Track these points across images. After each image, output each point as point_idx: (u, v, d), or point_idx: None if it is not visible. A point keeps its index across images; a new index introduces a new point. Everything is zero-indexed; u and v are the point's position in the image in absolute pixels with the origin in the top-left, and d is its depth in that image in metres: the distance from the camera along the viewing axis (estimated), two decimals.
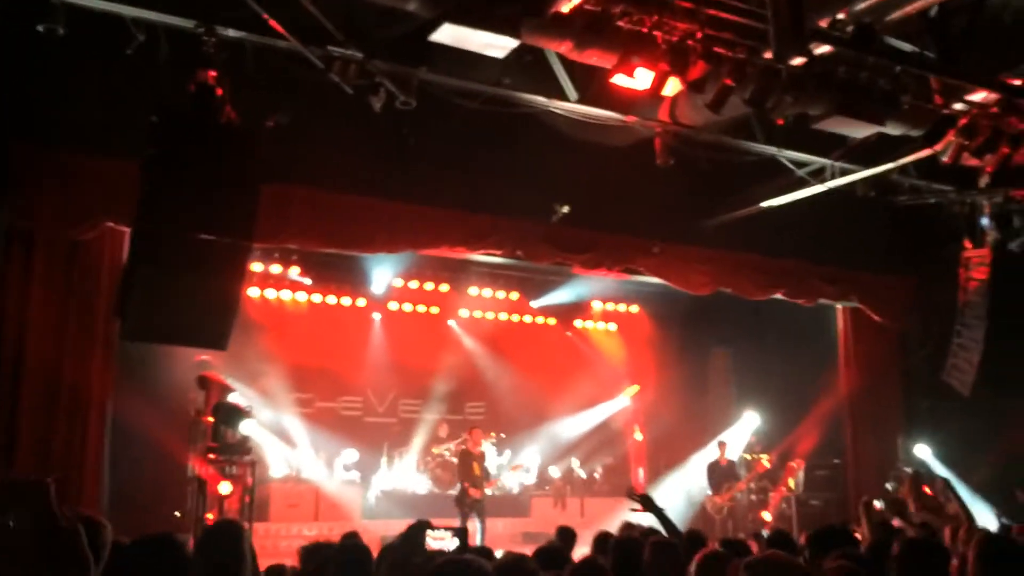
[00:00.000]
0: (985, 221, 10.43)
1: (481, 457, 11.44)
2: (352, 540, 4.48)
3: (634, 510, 5.58)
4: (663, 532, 5.29)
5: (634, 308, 15.06)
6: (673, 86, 6.88)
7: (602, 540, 4.57)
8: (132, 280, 6.52)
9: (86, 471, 7.99)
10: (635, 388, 14.95)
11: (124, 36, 6.52)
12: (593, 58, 7.06)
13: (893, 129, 7.91)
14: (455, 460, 12.34)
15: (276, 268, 12.24)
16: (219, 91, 6.64)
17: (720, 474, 12.47)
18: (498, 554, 4.27)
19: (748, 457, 13.39)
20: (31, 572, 1.07)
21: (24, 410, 7.69)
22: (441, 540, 2.82)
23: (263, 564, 4.46)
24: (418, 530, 2.54)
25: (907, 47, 7.43)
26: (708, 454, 13.31)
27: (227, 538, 3.17)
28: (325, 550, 4.06)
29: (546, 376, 14.60)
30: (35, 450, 7.70)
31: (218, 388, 9.30)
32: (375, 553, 4.29)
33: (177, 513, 9.72)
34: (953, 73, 7.58)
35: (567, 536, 5.66)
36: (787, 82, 6.93)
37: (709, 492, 12.64)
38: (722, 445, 12.76)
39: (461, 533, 2.93)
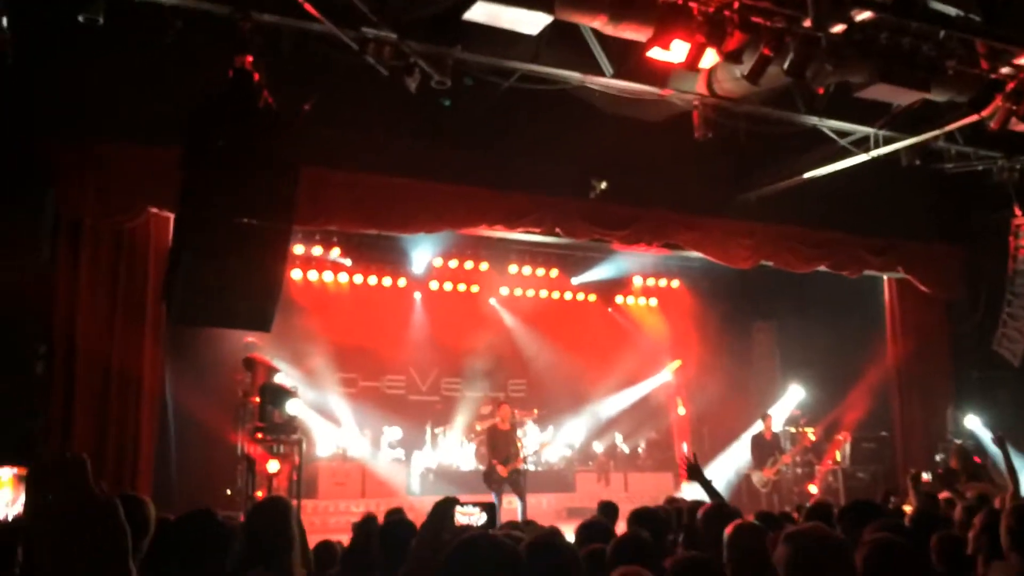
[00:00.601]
0: None
1: (510, 434, 11.42)
2: (397, 516, 4.56)
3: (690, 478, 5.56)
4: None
5: (675, 283, 14.96)
6: (710, 58, 6.80)
7: (638, 516, 4.59)
8: (177, 266, 6.64)
9: (140, 451, 8.22)
10: (677, 363, 14.89)
11: (162, 25, 6.61)
12: (628, 32, 7.00)
13: (938, 95, 7.73)
14: None
15: (317, 250, 12.36)
16: (256, 76, 6.70)
17: (765, 448, 12.38)
18: None
19: (793, 430, 13.28)
20: (70, 544, 1.11)
21: (78, 393, 7.92)
22: (470, 515, 2.84)
23: (312, 541, 4.55)
24: (446, 506, 2.56)
25: (951, 11, 7.24)
26: (753, 428, 13.23)
27: (274, 514, 3.24)
28: (372, 524, 4.14)
29: (588, 352, 14.61)
30: (90, 432, 7.94)
31: (264, 369, 9.47)
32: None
33: (228, 491, 9.96)
34: (999, 36, 7.37)
35: (610, 511, 5.68)
36: (827, 50, 6.81)
37: (754, 466, 12.57)
38: (767, 419, 12.66)
39: (490, 509, 2.94)
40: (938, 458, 12.17)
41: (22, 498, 4.39)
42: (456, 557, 2.22)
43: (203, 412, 9.88)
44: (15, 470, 4.59)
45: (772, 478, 11.96)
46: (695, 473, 5.46)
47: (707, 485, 5.42)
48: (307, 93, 7.31)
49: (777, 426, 13.02)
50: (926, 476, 7.61)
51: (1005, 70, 7.57)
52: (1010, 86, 7.54)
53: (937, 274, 12.50)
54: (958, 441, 12.36)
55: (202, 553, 2.90)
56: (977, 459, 11.77)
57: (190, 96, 6.53)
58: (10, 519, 4.47)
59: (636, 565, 2.91)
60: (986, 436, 11.96)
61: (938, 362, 13.00)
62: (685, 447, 14.75)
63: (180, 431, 9.07)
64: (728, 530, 3.68)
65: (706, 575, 2.89)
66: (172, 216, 8.20)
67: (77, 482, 1.15)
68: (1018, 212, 10.14)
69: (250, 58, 6.75)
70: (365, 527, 4.35)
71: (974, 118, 8.26)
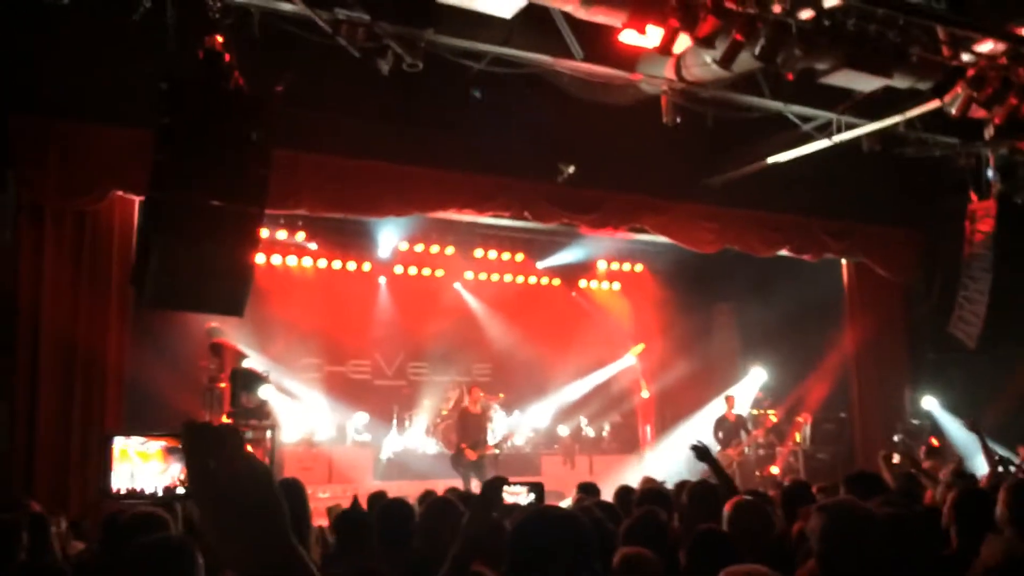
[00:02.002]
0: (991, 173, 10.44)
1: (479, 417, 11.45)
2: (385, 498, 4.58)
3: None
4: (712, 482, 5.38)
5: (638, 267, 15.09)
6: (682, 43, 6.86)
7: (624, 493, 4.66)
8: (147, 249, 6.56)
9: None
10: (641, 347, 15.03)
11: (130, 2, 6.48)
12: (599, 16, 7.04)
13: (901, 82, 7.89)
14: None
15: (282, 234, 12.23)
16: (227, 57, 6.61)
17: (728, 429, 12.58)
18: None
19: (756, 412, 13.51)
20: (233, 513, 1.11)
21: (43, 378, 7.80)
22: (517, 495, 2.89)
23: None
24: (496, 485, 2.60)
25: None
26: (715, 410, 13.43)
27: (295, 494, 3.24)
28: (358, 507, 4.15)
29: (552, 336, 14.69)
30: (55, 416, 7.82)
31: (232, 354, 9.39)
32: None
33: None
34: (961, 24, 7.54)
35: (592, 491, 5.75)
36: (797, 36, 6.91)
37: (718, 447, 12.75)
38: (730, 400, 12.86)
39: (538, 488, 2.99)
40: (896, 439, 12.48)
41: (170, 469, 4.36)
42: (529, 528, 2.24)
43: (169, 397, 9.74)
44: (164, 442, 4.59)
45: (736, 458, 12.16)
46: (704, 455, 5.52)
47: (715, 465, 5.49)
48: (278, 75, 7.25)
49: (741, 408, 13.24)
50: (896, 457, 7.80)
51: (966, 57, 7.75)
52: (971, 73, 7.72)
53: (895, 258, 12.78)
54: (915, 422, 12.72)
55: None
56: (933, 439, 12.13)
57: (158, 77, 6.43)
58: (160, 491, 4.48)
59: (642, 546, 2.97)
60: (943, 417, 12.33)
61: (895, 344, 13.31)
62: (648, 430, 14.93)
63: (145, 415, 8.92)
64: (728, 507, 3.77)
65: (722, 548, 2.95)
66: (137, 199, 8.11)
67: (236, 450, 1.15)
68: (975, 198, 10.38)
69: (220, 38, 6.66)
70: (354, 510, 4.37)
71: (935, 104, 8.43)
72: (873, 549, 2.74)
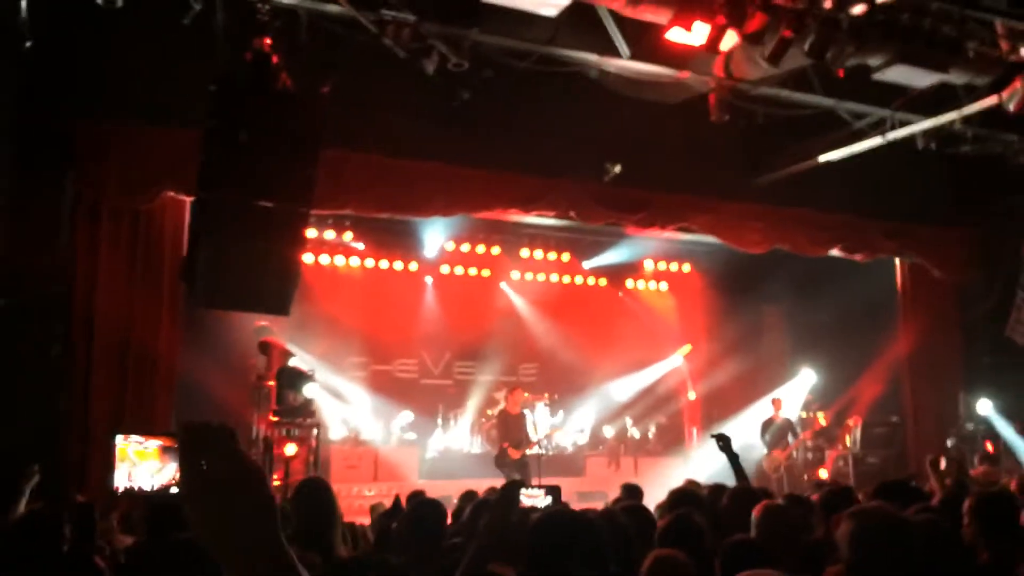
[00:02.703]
0: None
1: (520, 418, 11.45)
2: (421, 497, 4.59)
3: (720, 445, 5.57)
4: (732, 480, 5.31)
5: (686, 267, 14.95)
6: (730, 39, 6.77)
7: (678, 496, 4.62)
8: (196, 248, 6.68)
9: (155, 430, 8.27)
10: (687, 348, 14.89)
11: (181, 6, 6.60)
12: (646, 13, 6.98)
13: (957, 77, 7.69)
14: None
15: (330, 234, 12.37)
16: (275, 58, 6.71)
17: (775, 431, 12.39)
18: None
19: (805, 415, 13.29)
20: (224, 512, 1.11)
21: (97, 371, 7.98)
22: (535, 498, 2.88)
23: None
24: (514, 488, 2.60)
25: None
26: (761, 411, 13.25)
27: (319, 494, 3.27)
28: (398, 506, 4.17)
29: (598, 336, 14.62)
30: (108, 408, 7.99)
31: (279, 352, 9.50)
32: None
33: None
34: (1020, 17, 7.32)
35: (636, 493, 5.70)
36: (848, 32, 6.77)
37: (765, 450, 12.57)
38: (776, 402, 12.66)
39: (555, 491, 2.99)
40: (949, 443, 12.18)
41: (167, 468, 4.47)
42: (544, 530, 2.25)
43: (218, 394, 9.91)
44: (161, 441, 4.72)
45: (784, 462, 11.97)
46: (725, 446, 5.46)
47: (734, 459, 5.43)
48: (325, 75, 7.32)
49: (790, 410, 13.03)
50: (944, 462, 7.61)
51: None
52: None
53: (950, 258, 12.48)
54: (969, 427, 12.40)
55: None
56: (988, 444, 11.81)
57: (209, 78, 6.53)
58: (155, 488, 4.60)
59: (677, 548, 2.93)
60: (999, 421, 12.00)
61: (950, 347, 12.98)
62: (695, 433, 14.78)
63: (195, 412, 9.08)
64: (756, 511, 3.71)
65: (754, 557, 2.90)
66: (188, 199, 8.25)
67: (230, 450, 1.15)
68: None
69: (268, 40, 6.75)
70: (395, 509, 4.39)
71: (992, 100, 8.21)
72: (904, 557, 2.67)
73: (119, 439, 4.73)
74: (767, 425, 12.54)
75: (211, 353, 10.14)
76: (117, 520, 5.53)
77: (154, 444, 4.77)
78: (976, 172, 10.90)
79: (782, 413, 12.74)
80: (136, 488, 4.66)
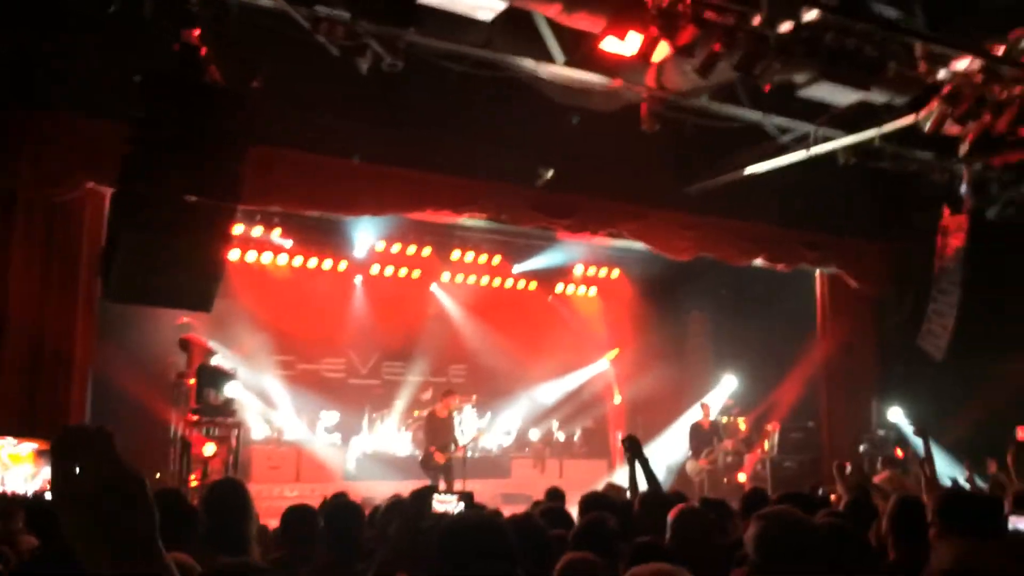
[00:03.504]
0: (963, 188, 10.56)
1: (448, 421, 11.46)
2: (342, 499, 4.54)
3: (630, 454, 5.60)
4: (640, 481, 5.37)
5: (615, 273, 15.13)
6: (662, 51, 6.87)
7: (591, 500, 4.66)
8: (116, 241, 6.47)
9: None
10: (615, 352, 15.08)
11: None
12: (581, 21, 7.04)
13: (878, 96, 7.94)
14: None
15: (258, 230, 12.15)
16: (204, 51, 6.55)
17: (703, 436, 12.62)
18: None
19: (725, 420, 13.58)
20: (99, 517, 1.08)
21: (8, 368, 7.68)
22: (447, 503, 2.87)
23: None
24: (425, 493, 2.59)
25: (893, 13, 7.44)
26: (689, 417, 13.49)
27: (233, 495, 3.21)
28: (309, 513, 4.11)
29: (527, 340, 14.70)
30: (20, 408, 7.70)
31: (200, 350, 9.30)
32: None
33: (158, 475, 9.74)
34: (938, 40, 7.61)
35: (558, 497, 5.74)
36: (775, 48, 6.94)
37: (690, 454, 12.80)
38: (705, 407, 12.90)
39: (467, 497, 2.98)
40: (861, 448, 12.59)
41: (41, 472, 4.27)
42: (449, 536, 2.24)
43: (135, 393, 9.65)
44: (36, 445, 4.51)
45: (706, 467, 12.20)
46: (634, 447, 5.49)
47: (644, 462, 5.47)
48: (256, 70, 7.19)
49: (712, 415, 13.31)
50: (849, 468, 7.86)
51: (942, 74, 7.81)
52: (946, 90, 7.79)
53: (868, 270, 12.90)
54: (881, 433, 12.83)
55: (171, 534, 2.83)
56: (898, 450, 12.24)
57: (135, 69, 6.34)
58: (30, 494, 4.38)
59: (589, 551, 2.96)
60: (908, 429, 12.44)
61: (865, 355, 13.42)
62: (619, 436, 14.96)
63: (111, 411, 8.81)
64: (672, 514, 3.77)
65: (660, 559, 2.95)
66: (109, 191, 8.00)
67: (106, 454, 1.12)
68: (947, 212, 10.50)
69: (197, 32, 6.59)
70: (301, 511, 4.34)
71: (910, 119, 8.51)
72: (807, 558, 2.75)
73: None
74: (695, 430, 12.76)
75: (129, 350, 9.88)
76: (23, 521, 5.34)
77: (28, 448, 4.57)
78: (894, 188, 11.32)
79: (710, 418, 13.00)
80: (10, 493, 4.46)
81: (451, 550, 2.24)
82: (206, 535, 3.03)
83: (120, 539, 1.08)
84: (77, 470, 1.09)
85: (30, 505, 4.22)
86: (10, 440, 4.48)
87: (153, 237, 6.42)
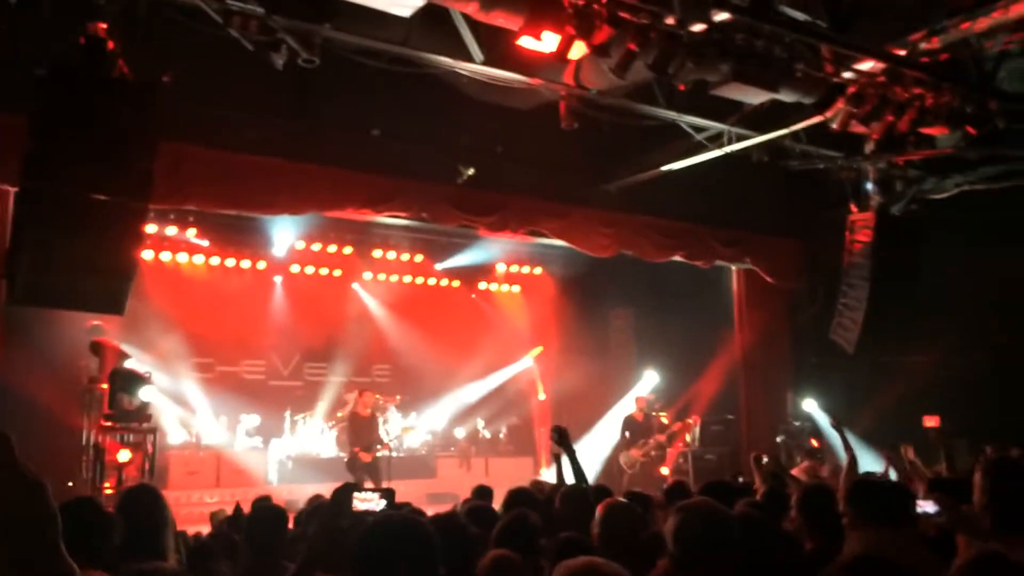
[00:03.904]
0: (870, 186, 10.98)
1: (371, 420, 11.39)
2: (264, 503, 4.48)
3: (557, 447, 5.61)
4: (567, 474, 5.41)
5: (537, 270, 15.24)
6: (578, 50, 6.94)
7: (515, 496, 4.69)
8: (20, 242, 6.25)
9: None
10: (539, 349, 15.18)
11: None
12: (499, 19, 7.05)
13: (786, 96, 8.18)
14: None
15: (172, 230, 11.87)
16: (111, 44, 6.37)
17: (637, 428, 12.76)
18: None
19: (650, 414, 13.78)
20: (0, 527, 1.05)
21: None
22: (368, 502, 2.85)
23: None
24: (344, 492, 2.57)
25: (801, 16, 7.67)
26: (614, 413, 13.66)
27: (148, 501, 3.13)
28: (237, 513, 4.05)
29: (451, 338, 14.69)
30: None
31: (113, 354, 9.03)
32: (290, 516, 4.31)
33: (70, 483, 9.43)
34: (843, 43, 7.87)
35: (486, 494, 5.75)
36: (688, 48, 7.08)
37: (623, 446, 12.93)
38: (640, 400, 13.05)
39: (389, 494, 2.96)
40: (778, 440, 12.95)
41: None
42: (369, 536, 2.22)
43: (43, 398, 9.29)
44: None
45: (640, 459, 12.34)
46: (563, 438, 5.53)
47: (571, 453, 5.51)
48: (167, 65, 7.01)
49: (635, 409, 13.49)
50: (766, 458, 8.08)
51: (847, 75, 8.09)
52: (851, 90, 8.06)
53: (781, 266, 13.25)
54: (796, 423, 13.21)
55: (88, 543, 2.74)
56: (813, 440, 12.62)
57: (38, 62, 6.13)
58: None
59: (510, 548, 2.99)
60: (822, 419, 12.85)
61: (780, 349, 13.80)
62: (544, 433, 15.06)
63: (17, 417, 8.47)
64: (600, 509, 3.83)
65: (585, 553, 2.99)
66: (12, 190, 7.70)
67: (5, 460, 1.08)
68: (854, 209, 10.88)
69: (104, 25, 6.40)
70: (225, 517, 4.27)
71: (818, 119, 8.78)
72: (724, 547, 2.83)
73: None
74: (629, 422, 12.89)
75: (37, 355, 9.50)
76: None
77: None
78: (805, 185, 11.66)
79: (644, 411, 13.16)
80: None
81: (371, 551, 2.23)
82: (122, 544, 2.95)
83: (23, 546, 1.05)
84: None
85: None
86: None
87: (59, 237, 6.22)
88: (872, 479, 4.55)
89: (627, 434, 12.66)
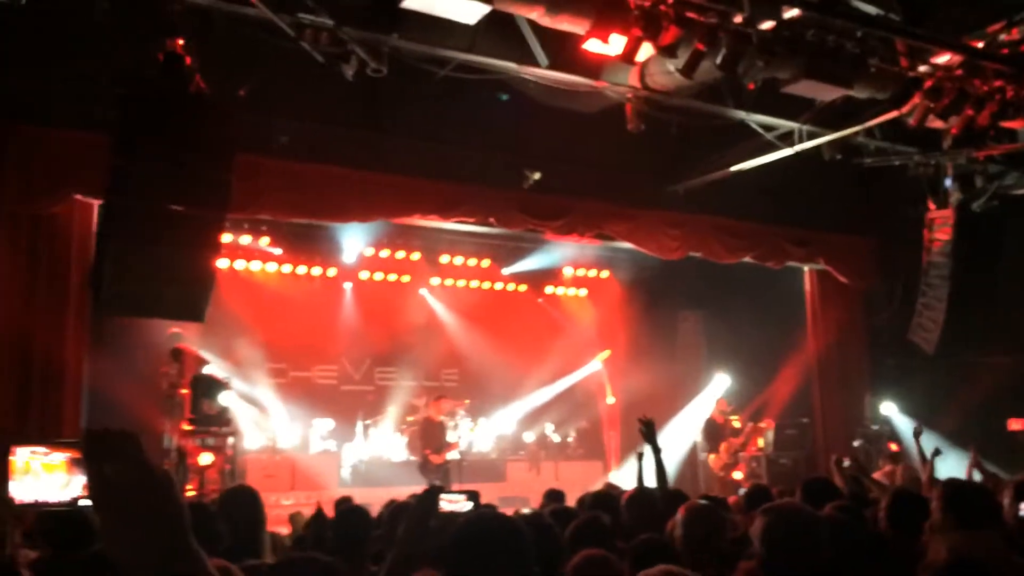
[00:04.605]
0: (948, 182, 10.64)
1: (442, 425, 11.51)
2: (347, 504, 4.57)
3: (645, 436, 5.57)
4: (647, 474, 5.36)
5: (604, 273, 15.16)
6: (645, 51, 6.91)
7: (592, 499, 4.69)
8: (105, 253, 6.48)
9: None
10: (606, 353, 15.10)
11: (88, 4, 6.41)
12: (564, 23, 7.06)
13: (860, 92, 7.99)
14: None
15: (246, 239, 12.15)
16: (188, 60, 6.57)
17: (717, 431, 12.60)
18: None
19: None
20: (131, 519, 1.10)
21: None
22: (455, 503, 2.89)
23: None
24: (432, 494, 2.61)
25: (873, 10, 7.50)
26: (685, 415, 13.55)
27: (247, 500, 3.22)
28: (322, 515, 4.14)
29: (519, 342, 14.71)
30: (11, 418, 7.67)
31: (193, 360, 9.30)
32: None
33: None
34: (918, 36, 7.67)
35: (558, 498, 5.76)
36: (757, 46, 6.98)
37: (708, 448, 12.81)
38: (721, 403, 12.89)
39: (474, 496, 3.00)
40: (856, 444, 12.64)
41: (73, 481, 4.26)
42: (466, 532, 2.26)
43: (127, 403, 9.58)
44: (68, 454, 4.51)
45: (728, 461, 12.19)
46: (650, 432, 5.49)
47: (656, 449, 5.46)
48: (241, 78, 7.21)
49: (708, 413, 13.35)
50: (847, 462, 7.91)
51: (923, 68, 7.88)
52: (928, 84, 7.85)
53: (855, 265, 12.95)
54: (875, 427, 12.89)
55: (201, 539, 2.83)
56: (892, 444, 12.30)
57: (119, 79, 6.36)
58: (62, 502, 4.40)
59: (596, 548, 2.99)
60: (901, 422, 12.51)
61: (856, 351, 13.47)
62: (613, 437, 14.99)
63: (105, 423, 8.77)
64: (682, 511, 3.80)
65: (664, 556, 2.98)
66: (97, 203, 8.00)
67: (134, 455, 1.14)
68: (932, 206, 10.57)
69: (181, 41, 6.61)
70: (318, 518, 4.38)
71: (893, 114, 8.57)
72: (814, 551, 2.80)
73: (21, 451, 4.55)
74: (711, 425, 12.75)
75: (121, 361, 9.83)
76: (20, 535, 5.33)
77: (61, 457, 4.60)
78: (879, 183, 11.38)
79: (723, 413, 13.04)
80: (40, 502, 4.50)
81: (469, 546, 2.26)
82: (224, 540, 3.04)
83: (157, 539, 1.10)
84: (109, 471, 1.11)
85: (42, 515, 4.24)
86: (39, 449, 4.50)
87: (142, 248, 6.44)
88: (964, 482, 4.44)
89: (707, 437, 12.52)
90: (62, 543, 3.75)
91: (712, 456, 12.41)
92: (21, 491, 4.53)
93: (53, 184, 7.90)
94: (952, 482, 3.94)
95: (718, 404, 12.80)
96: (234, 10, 6.84)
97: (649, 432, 5.53)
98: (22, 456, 4.58)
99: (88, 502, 3.83)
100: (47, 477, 4.58)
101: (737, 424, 13.12)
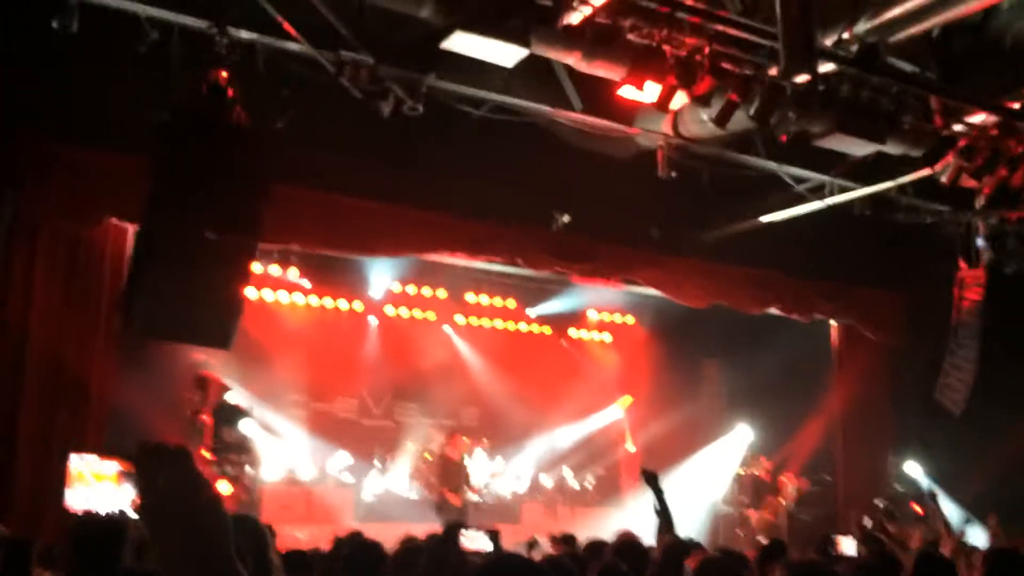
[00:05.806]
0: (980, 242, 10.55)
1: (460, 464, 11.42)
2: (359, 539, 4.54)
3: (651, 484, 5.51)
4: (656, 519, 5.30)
5: (629, 319, 15.12)
6: (679, 100, 6.97)
7: (597, 546, 4.64)
8: (138, 276, 6.57)
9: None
10: (628, 399, 14.99)
11: (138, 34, 6.58)
12: (600, 69, 7.15)
13: (893, 148, 8.00)
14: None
15: (275, 269, 12.26)
16: (230, 91, 6.70)
17: (764, 488, 12.42)
18: None
19: (743, 471, 13.44)
20: (178, 531, 1.11)
21: (26, 398, 7.74)
22: (475, 540, 2.88)
23: None
24: (453, 530, 2.61)
25: (909, 68, 7.53)
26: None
27: (251, 527, 3.22)
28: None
29: (540, 384, 14.64)
30: (36, 438, 7.73)
31: (217, 387, 9.35)
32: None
33: None
34: (954, 95, 7.69)
35: (570, 542, 5.70)
36: (791, 99, 7.03)
37: (749, 504, 12.60)
38: (760, 458, 12.74)
39: (494, 535, 2.99)
40: (880, 504, 12.40)
41: (121, 492, 4.29)
42: (489, 572, 2.24)
43: (151, 426, 9.65)
44: (119, 465, 4.57)
45: (774, 520, 11.98)
46: (652, 481, 5.43)
47: (660, 498, 5.39)
48: (280, 111, 7.33)
49: (734, 466, 13.17)
50: (867, 521, 7.78)
51: (958, 127, 7.88)
52: (962, 143, 7.85)
53: (883, 321, 12.83)
54: (898, 487, 12.65)
55: None
56: (914, 505, 12.05)
57: (162, 107, 6.50)
58: (113, 512, 4.42)
59: None
60: (924, 482, 12.28)
61: (881, 408, 13.28)
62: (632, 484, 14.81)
63: (127, 443, 8.83)
64: (692, 564, 3.75)
65: None
66: (131, 227, 8.14)
67: (186, 470, 1.16)
68: (963, 265, 10.47)
69: (225, 73, 6.75)
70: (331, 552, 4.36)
71: (926, 172, 8.56)
72: None
73: (75, 459, 4.58)
74: (753, 481, 12.56)
75: (147, 383, 9.90)
76: (37, 554, 5.33)
77: (112, 468, 4.63)
78: (910, 239, 11.30)
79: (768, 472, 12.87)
80: (93, 511, 4.51)
81: None
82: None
83: (201, 551, 1.12)
84: (161, 482, 1.12)
85: (83, 519, 4.24)
86: (92, 458, 4.56)
87: (173, 273, 6.51)
88: (1008, 551, 4.34)
89: (750, 494, 12.29)
90: (86, 559, 3.75)
91: (755, 514, 12.18)
92: (75, 499, 4.54)
93: (93, 205, 8.07)
94: (998, 551, 3.85)
95: (760, 462, 12.57)
96: (277, 45, 7.01)
97: (651, 483, 5.47)
98: (75, 466, 4.61)
99: (135, 515, 3.85)
100: (98, 486, 4.60)
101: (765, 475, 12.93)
